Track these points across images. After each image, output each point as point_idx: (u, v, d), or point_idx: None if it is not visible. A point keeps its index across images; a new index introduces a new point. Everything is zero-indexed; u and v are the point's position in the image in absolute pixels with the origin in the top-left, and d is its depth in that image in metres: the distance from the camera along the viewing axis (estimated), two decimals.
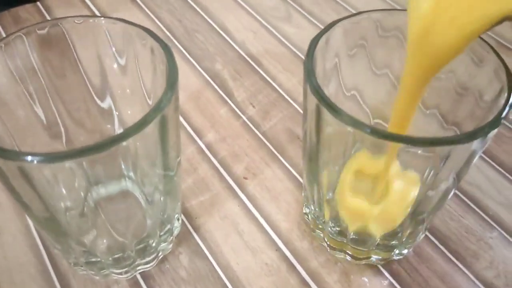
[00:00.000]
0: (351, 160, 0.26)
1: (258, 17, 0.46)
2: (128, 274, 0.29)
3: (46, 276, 0.29)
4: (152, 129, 0.21)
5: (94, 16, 0.25)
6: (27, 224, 0.31)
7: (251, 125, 0.37)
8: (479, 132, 0.19)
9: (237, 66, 0.41)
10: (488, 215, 0.32)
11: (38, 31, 0.25)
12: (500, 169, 0.35)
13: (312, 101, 0.22)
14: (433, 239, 0.31)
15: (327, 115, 0.21)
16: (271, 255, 0.30)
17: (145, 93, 0.27)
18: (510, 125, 0.38)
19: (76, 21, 0.26)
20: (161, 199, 0.26)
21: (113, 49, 0.26)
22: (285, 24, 0.45)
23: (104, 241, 0.26)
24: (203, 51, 0.43)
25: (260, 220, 0.32)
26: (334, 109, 0.21)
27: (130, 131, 0.20)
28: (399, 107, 0.23)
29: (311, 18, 0.46)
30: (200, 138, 0.36)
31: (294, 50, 0.43)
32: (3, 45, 0.24)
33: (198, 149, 0.35)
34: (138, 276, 0.29)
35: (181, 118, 0.37)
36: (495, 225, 0.32)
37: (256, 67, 0.41)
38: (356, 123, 0.20)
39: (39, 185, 0.21)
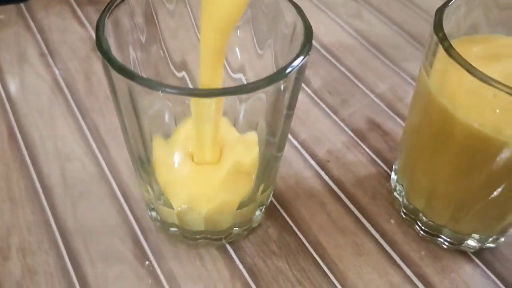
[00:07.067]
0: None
1: (328, 12, 0.46)
2: (218, 243, 0.28)
3: (135, 239, 0.28)
4: (288, 82, 0.22)
5: None
6: (112, 188, 0.31)
7: (329, 111, 0.37)
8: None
9: (311, 56, 0.41)
10: None
11: None
12: None
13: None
14: None
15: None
16: (361, 236, 0.29)
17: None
18: None
19: None
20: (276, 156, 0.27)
21: None
22: (355, 20, 0.45)
23: None
24: None
25: (347, 202, 0.31)
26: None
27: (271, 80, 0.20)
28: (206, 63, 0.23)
29: (381, 16, 0.46)
30: None
31: (366, 44, 0.43)
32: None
33: None
34: (228, 246, 0.28)
35: None
36: None
37: (331, 58, 0.41)
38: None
39: (141, 109, 0.22)
